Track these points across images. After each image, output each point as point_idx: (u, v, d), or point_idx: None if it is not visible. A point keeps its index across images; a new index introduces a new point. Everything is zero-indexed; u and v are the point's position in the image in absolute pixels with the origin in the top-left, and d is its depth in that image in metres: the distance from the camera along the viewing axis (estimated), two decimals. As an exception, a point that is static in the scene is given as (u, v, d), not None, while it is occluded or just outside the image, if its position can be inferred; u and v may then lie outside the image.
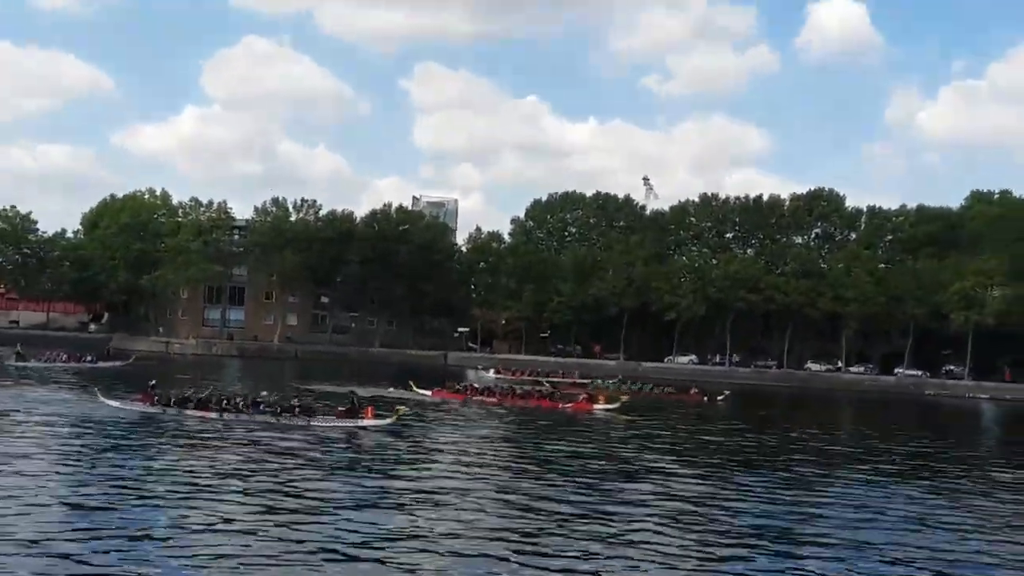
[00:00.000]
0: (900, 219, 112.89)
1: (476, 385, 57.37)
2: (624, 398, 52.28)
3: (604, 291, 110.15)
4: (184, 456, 27.95)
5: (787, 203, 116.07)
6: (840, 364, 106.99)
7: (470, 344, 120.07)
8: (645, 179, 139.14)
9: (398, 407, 38.48)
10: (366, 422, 35.52)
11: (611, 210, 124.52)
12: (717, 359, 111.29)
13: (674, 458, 32.97)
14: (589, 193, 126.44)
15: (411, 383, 55.91)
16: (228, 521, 19.30)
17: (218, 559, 16.38)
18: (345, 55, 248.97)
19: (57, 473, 24.14)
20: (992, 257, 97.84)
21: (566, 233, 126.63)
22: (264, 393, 40.53)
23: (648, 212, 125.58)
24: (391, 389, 55.46)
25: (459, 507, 21.90)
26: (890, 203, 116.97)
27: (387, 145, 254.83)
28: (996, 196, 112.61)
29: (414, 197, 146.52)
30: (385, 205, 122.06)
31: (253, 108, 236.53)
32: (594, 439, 37.34)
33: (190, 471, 25.07)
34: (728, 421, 51.00)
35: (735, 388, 74.29)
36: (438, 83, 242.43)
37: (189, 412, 37.01)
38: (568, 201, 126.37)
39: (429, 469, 27.75)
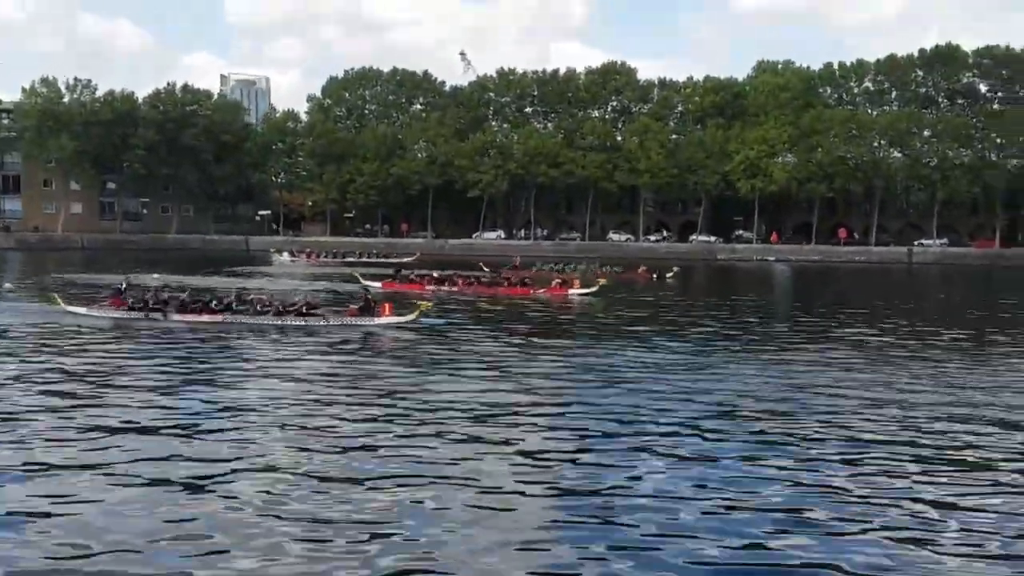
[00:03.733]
0: (688, 90, 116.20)
1: (435, 274, 53.12)
2: (602, 281, 49.58)
3: (407, 170, 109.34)
4: (192, 376, 21.36)
5: (582, 77, 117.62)
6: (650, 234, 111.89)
7: (273, 227, 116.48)
8: (462, 53, 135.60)
9: (420, 302, 34.36)
10: (384, 320, 32.43)
11: (410, 87, 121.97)
12: (523, 234, 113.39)
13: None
14: (387, 69, 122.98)
15: (357, 275, 52.36)
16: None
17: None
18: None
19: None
20: (774, 126, 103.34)
21: (366, 111, 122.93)
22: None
23: (447, 88, 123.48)
24: (156, 276, 50.09)
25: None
26: (709, 74, 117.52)
27: (196, 17, 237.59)
28: (780, 66, 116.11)
29: (222, 75, 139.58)
30: (169, 84, 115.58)
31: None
32: (590, 326, 34.27)
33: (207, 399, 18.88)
34: (693, 297, 50.64)
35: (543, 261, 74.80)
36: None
37: (173, 316, 32.41)
38: (365, 78, 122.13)
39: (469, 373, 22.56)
